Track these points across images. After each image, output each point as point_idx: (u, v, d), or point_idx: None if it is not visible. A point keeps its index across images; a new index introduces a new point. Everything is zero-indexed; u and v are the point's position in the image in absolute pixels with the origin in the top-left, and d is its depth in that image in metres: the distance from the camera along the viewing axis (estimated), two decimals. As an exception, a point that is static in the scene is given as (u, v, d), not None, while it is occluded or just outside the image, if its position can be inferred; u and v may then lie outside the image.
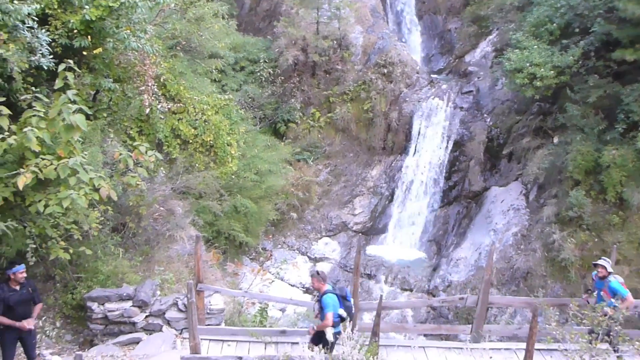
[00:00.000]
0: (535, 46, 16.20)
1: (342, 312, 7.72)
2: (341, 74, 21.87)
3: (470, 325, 9.73)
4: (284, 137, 21.32)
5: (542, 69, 15.55)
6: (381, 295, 8.76)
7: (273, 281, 15.92)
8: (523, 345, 8.15)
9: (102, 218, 9.72)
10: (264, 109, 21.43)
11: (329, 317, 7.58)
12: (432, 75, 22.99)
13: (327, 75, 22.09)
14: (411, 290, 17.76)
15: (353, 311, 8.09)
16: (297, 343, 9.11)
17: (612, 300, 8.22)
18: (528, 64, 15.81)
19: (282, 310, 14.57)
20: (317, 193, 20.55)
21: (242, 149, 15.37)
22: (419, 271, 18.51)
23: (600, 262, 8.73)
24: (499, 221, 17.57)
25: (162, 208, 12.66)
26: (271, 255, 17.72)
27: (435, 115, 20.43)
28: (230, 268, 14.41)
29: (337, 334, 7.71)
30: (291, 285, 16.98)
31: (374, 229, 20.43)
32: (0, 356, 7.78)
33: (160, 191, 12.70)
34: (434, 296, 16.85)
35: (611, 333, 7.28)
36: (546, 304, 9.13)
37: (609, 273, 8.57)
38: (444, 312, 16.12)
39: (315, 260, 18.67)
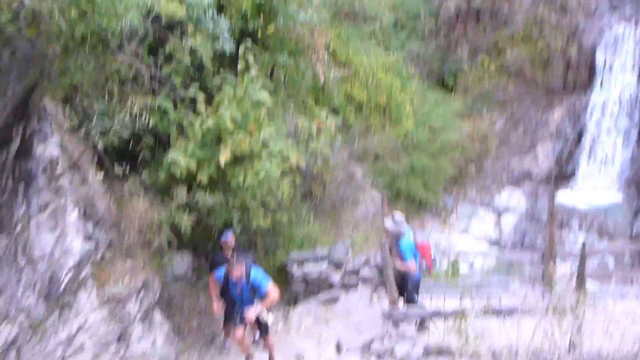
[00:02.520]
0: None
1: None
2: (508, 15, 20.42)
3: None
4: (454, 90, 20.61)
5: None
6: (584, 243, 8.19)
7: (458, 236, 15.68)
8: None
9: (292, 186, 10.34)
10: (430, 64, 20.88)
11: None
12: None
13: (493, 19, 20.76)
14: (610, 237, 16.35)
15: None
16: (493, 295, 9.00)
17: None
18: None
19: (470, 264, 14.33)
20: (495, 143, 19.65)
21: (414, 107, 15.22)
22: (617, 216, 16.93)
23: None
24: None
25: (343, 172, 13.13)
26: (452, 210, 17.43)
27: (622, 44, 18.24)
28: (418, 223, 14.50)
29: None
30: (477, 239, 16.60)
31: (560, 175, 19.01)
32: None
33: (339, 157, 13.15)
34: (639, 242, 15.37)
35: None
36: None
37: None
38: (652, 259, 14.63)
39: (499, 212, 17.99)
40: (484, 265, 13.78)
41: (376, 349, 7.54)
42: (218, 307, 7.80)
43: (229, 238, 8.35)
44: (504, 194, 18.54)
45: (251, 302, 7.14)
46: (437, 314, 7.61)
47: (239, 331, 7.48)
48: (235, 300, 7.36)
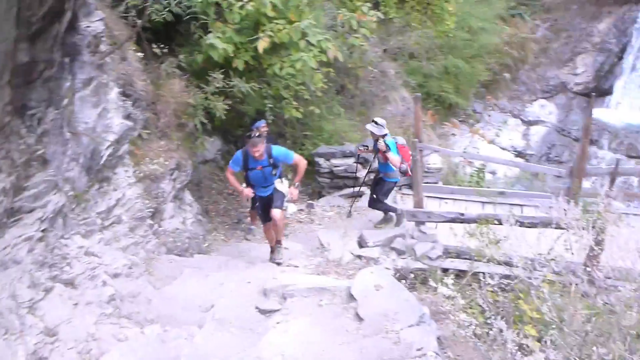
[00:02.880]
0: None
1: None
2: None
3: None
4: (498, -9, 19.64)
5: None
6: (618, 160, 8.14)
7: (484, 143, 15.62)
8: None
9: (325, 80, 10.23)
10: (476, -39, 19.74)
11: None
12: None
13: None
14: (639, 158, 16.18)
15: None
16: (516, 205, 9.14)
17: None
18: None
19: (493, 172, 14.37)
20: (534, 51, 19.00)
21: (456, 5, 14.58)
22: (649, 137, 16.65)
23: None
24: None
25: (375, 70, 12.88)
26: (482, 117, 17.23)
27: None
28: (446, 128, 14.43)
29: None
30: (502, 149, 16.54)
31: (597, 90, 18.48)
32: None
33: (373, 53, 12.85)
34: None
35: None
36: None
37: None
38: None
39: (529, 123, 17.75)
40: (507, 175, 13.83)
41: (398, 245, 7.80)
42: (247, 190, 6.95)
43: (262, 126, 8.41)
44: (535, 104, 18.21)
45: (272, 182, 6.93)
46: (459, 217, 7.76)
47: (265, 226, 7.33)
48: (256, 182, 6.91)
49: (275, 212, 6.95)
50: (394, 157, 8.09)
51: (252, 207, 8.61)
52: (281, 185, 7.05)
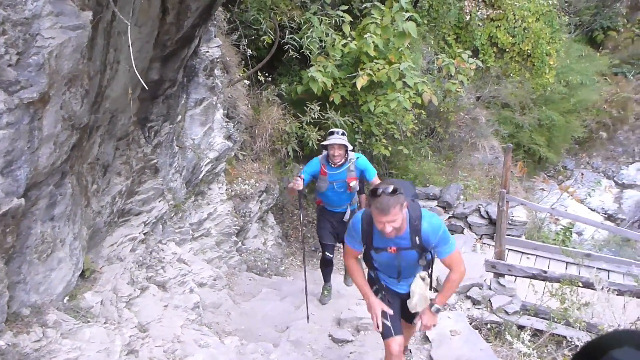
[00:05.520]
0: None
1: None
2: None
3: None
4: (601, 47, 19.13)
5: None
6: None
7: (573, 201, 15.07)
8: None
9: (416, 121, 10.36)
10: (581, 15, 19.40)
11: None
12: None
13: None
14: None
15: None
16: (603, 269, 8.78)
17: None
18: None
19: (580, 233, 13.84)
20: (635, 112, 18.25)
21: (558, 59, 14.37)
22: None
23: None
24: None
25: (467, 116, 12.88)
26: (573, 174, 16.68)
27: None
28: (535, 182, 14.11)
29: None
30: (591, 209, 15.89)
31: (701, 160, 17.54)
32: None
33: (467, 99, 12.88)
34: None
35: None
36: None
37: None
38: None
39: (623, 186, 16.98)
40: (595, 237, 13.27)
41: (474, 295, 7.70)
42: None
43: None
44: (632, 167, 17.42)
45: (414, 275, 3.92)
46: (542, 275, 7.57)
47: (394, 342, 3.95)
48: (386, 270, 3.99)
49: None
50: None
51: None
52: (420, 285, 3.96)
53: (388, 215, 3.31)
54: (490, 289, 7.90)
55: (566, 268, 8.98)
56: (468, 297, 7.75)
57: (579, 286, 6.66)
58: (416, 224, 3.54)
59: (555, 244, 9.95)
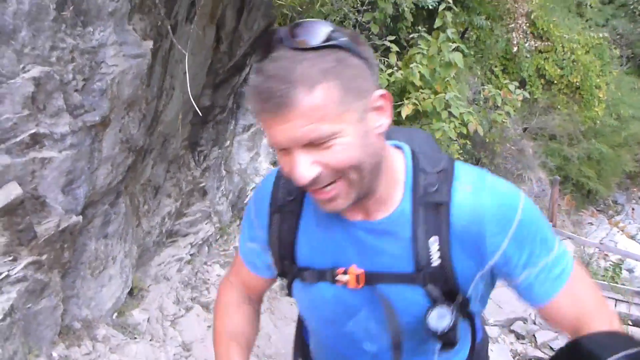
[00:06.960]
0: None
1: None
2: None
3: None
4: (654, 80, 18.70)
5: None
6: None
7: (623, 237, 14.59)
8: None
9: (461, 151, 10.30)
10: (633, 47, 19.04)
11: None
12: None
13: None
14: None
15: None
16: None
17: None
18: None
19: (630, 270, 13.35)
20: (689, 146, 17.66)
21: (608, 92, 14.12)
22: None
23: None
24: None
25: (513, 147, 12.74)
26: (623, 209, 16.17)
27: None
28: (583, 216, 13.77)
29: None
30: (641, 245, 15.32)
31: None
32: None
33: (514, 130, 12.76)
34: None
35: None
36: None
37: None
38: None
39: (677, 222, 16.35)
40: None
41: (517, 329, 7.53)
42: None
43: None
44: (686, 203, 16.78)
45: None
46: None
47: None
48: None
49: None
50: None
51: None
52: None
53: (292, 108, 0.96)
54: (535, 323, 7.73)
55: (615, 305, 8.69)
56: (512, 331, 7.58)
57: (629, 324, 6.46)
58: (435, 194, 1.15)
59: (604, 281, 9.66)
